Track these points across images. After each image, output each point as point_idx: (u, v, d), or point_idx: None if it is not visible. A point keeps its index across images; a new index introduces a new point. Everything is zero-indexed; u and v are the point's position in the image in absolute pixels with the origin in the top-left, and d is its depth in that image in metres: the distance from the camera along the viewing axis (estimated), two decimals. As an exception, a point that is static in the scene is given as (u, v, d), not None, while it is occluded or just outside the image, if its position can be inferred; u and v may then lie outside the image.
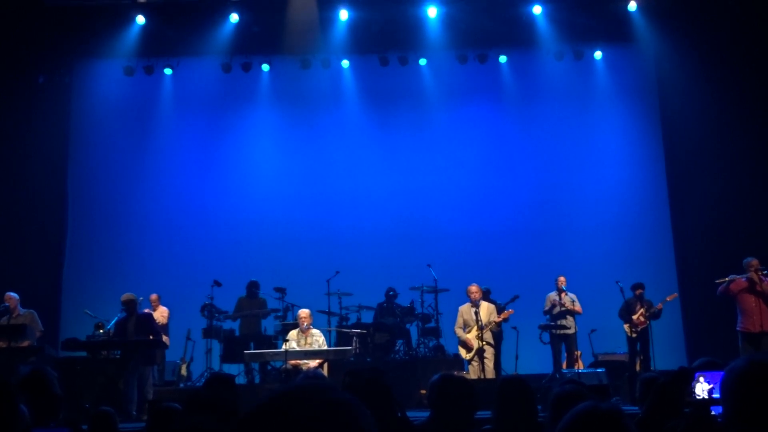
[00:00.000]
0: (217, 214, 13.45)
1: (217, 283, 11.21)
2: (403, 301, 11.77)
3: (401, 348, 11.26)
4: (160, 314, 10.98)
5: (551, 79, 13.64)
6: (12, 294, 9.79)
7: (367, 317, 11.78)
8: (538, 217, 13.33)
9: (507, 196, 13.48)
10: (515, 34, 13.13)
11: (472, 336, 9.97)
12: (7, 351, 9.01)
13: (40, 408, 3.03)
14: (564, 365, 10.67)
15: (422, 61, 13.58)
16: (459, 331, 10.12)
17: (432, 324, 11.53)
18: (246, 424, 1.20)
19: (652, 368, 10.08)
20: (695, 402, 3.47)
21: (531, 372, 10.47)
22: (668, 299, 10.88)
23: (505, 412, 3.63)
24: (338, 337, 11.07)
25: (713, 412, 3.34)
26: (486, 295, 10.65)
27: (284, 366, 9.43)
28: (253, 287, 11.51)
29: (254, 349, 10.54)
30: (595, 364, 11.01)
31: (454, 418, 3.54)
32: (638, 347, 10.66)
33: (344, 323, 11.40)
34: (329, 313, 11.35)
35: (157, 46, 13.14)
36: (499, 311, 10.40)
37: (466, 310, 10.14)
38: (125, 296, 9.52)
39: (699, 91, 12.55)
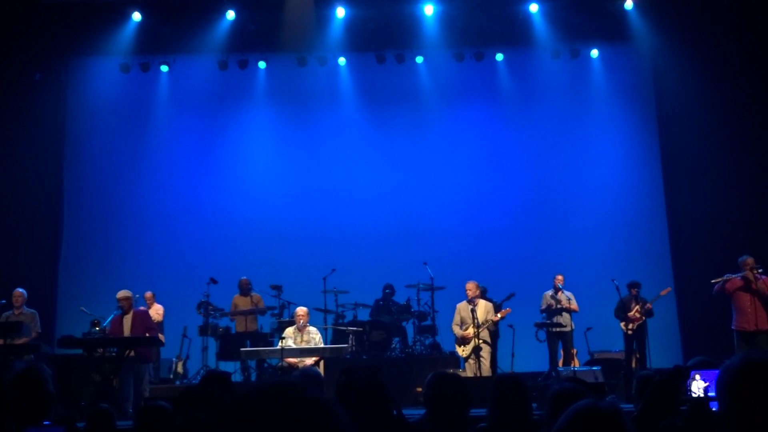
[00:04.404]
0: (214, 211, 13.43)
1: (213, 281, 11.20)
2: (399, 298, 11.77)
3: (397, 346, 11.27)
4: (155, 312, 10.96)
5: (548, 78, 13.63)
6: (21, 290, 9.84)
7: (364, 315, 11.78)
8: (535, 215, 13.34)
9: (503, 194, 13.48)
10: (512, 32, 13.12)
11: (469, 333, 9.97)
12: (3, 348, 9.01)
13: (33, 406, 3.02)
14: (560, 363, 10.69)
15: (419, 59, 13.57)
16: (456, 329, 10.13)
17: (428, 322, 11.54)
18: (224, 422, 1.19)
19: (648, 366, 10.10)
20: (694, 399, 3.48)
21: (527, 370, 10.48)
22: (662, 294, 10.91)
23: (499, 410, 3.63)
24: (334, 335, 11.07)
25: (712, 408, 3.34)
26: (483, 294, 10.65)
27: (280, 363, 9.42)
28: (243, 285, 11.47)
29: (250, 346, 10.54)
30: (591, 362, 11.02)
31: (448, 416, 3.54)
32: (634, 345, 10.68)
33: (340, 321, 11.40)
34: (325, 311, 11.36)
35: (154, 43, 13.11)
36: (496, 309, 10.40)
37: (463, 308, 10.15)
38: (121, 293, 9.51)
39: (695, 89, 12.56)
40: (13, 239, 12.43)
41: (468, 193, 13.48)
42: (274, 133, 13.89)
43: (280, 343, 9.38)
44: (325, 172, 13.59)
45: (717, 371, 2.00)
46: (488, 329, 10.14)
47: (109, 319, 9.60)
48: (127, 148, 13.62)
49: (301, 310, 9.79)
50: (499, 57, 13.62)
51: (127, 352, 8.98)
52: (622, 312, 10.71)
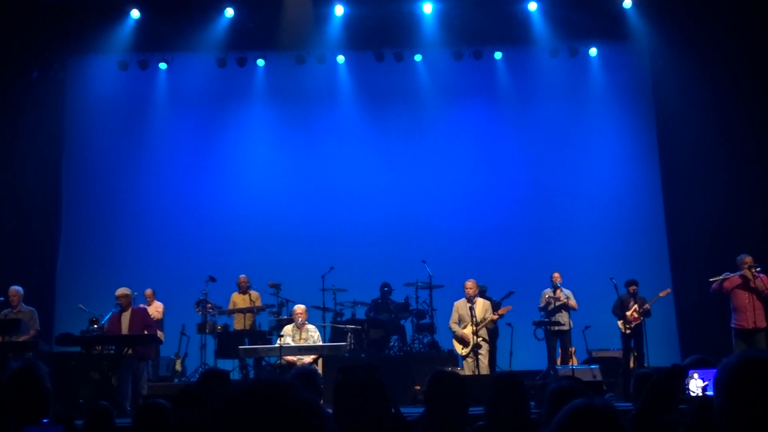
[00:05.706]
0: (212, 209, 13.42)
1: (212, 279, 11.20)
2: (397, 297, 11.77)
3: (396, 344, 11.26)
4: (155, 309, 10.96)
5: (546, 76, 13.63)
6: (17, 288, 9.80)
7: (362, 313, 11.77)
8: (533, 213, 13.34)
9: (502, 192, 13.48)
10: (510, 30, 13.13)
11: (467, 332, 9.97)
12: (1, 346, 9.00)
13: (31, 404, 3.02)
14: (559, 362, 10.69)
15: (418, 58, 13.57)
16: (454, 326, 10.13)
17: (427, 320, 11.55)
18: (210, 420, 1.19)
19: (646, 365, 10.10)
20: (698, 398, 3.47)
21: (526, 368, 10.49)
22: (661, 294, 10.91)
23: (497, 408, 3.64)
24: (333, 333, 11.06)
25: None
26: (482, 293, 10.65)
27: (279, 361, 9.42)
28: (242, 282, 11.47)
29: (249, 344, 10.54)
30: (590, 360, 11.02)
31: (447, 414, 3.55)
32: (632, 344, 10.67)
33: (339, 319, 11.39)
34: (324, 309, 11.35)
35: (152, 41, 13.09)
36: (495, 308, 10.40)
37: (461, 306, 10.14)
38: (119, 291, 9.51)
39: (694, 88, 12.56)
40: (12, 237, 12.41)
41: (466, 191, 13.48)
42: (273, 130, 13.88)
43: (278, 341, 9.38)
44: (324, 169, 13.59)
45: (715, 370, 2.00)
46: (487, 327, 10.14)
47: (108, 316, 9.60)
48: (125, 145, 13.61)
49: (300, 308, 9.79)
50: (498, 55, 13.63)
51: (126, 349, 8.98)
52: (620, 310, 10.71)
